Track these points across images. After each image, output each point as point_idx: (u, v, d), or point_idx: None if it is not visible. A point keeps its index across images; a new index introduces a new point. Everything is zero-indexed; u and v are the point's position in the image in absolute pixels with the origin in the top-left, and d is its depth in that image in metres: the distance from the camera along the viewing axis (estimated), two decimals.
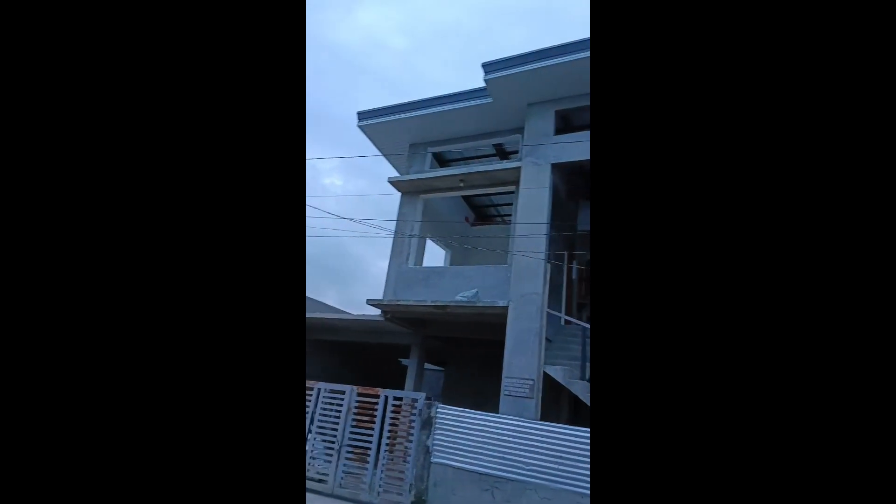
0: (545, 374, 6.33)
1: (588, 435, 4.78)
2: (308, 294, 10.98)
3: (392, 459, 5.71)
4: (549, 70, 7.16)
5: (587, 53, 6.81)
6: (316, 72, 56.90)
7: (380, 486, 5.62)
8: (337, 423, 6.19)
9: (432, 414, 5.68)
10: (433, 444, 5.51)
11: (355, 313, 9.66)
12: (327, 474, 5.97)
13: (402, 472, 5.56)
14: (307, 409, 6.43)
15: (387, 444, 5.78)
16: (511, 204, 9.10)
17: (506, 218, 11.20)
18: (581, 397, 6.04)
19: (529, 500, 4.80)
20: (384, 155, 10.33)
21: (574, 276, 9.03)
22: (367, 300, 8.11)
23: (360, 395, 6.23)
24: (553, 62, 7.08)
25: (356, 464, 5.92)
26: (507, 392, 6.39)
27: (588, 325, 6.85)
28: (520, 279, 7.00)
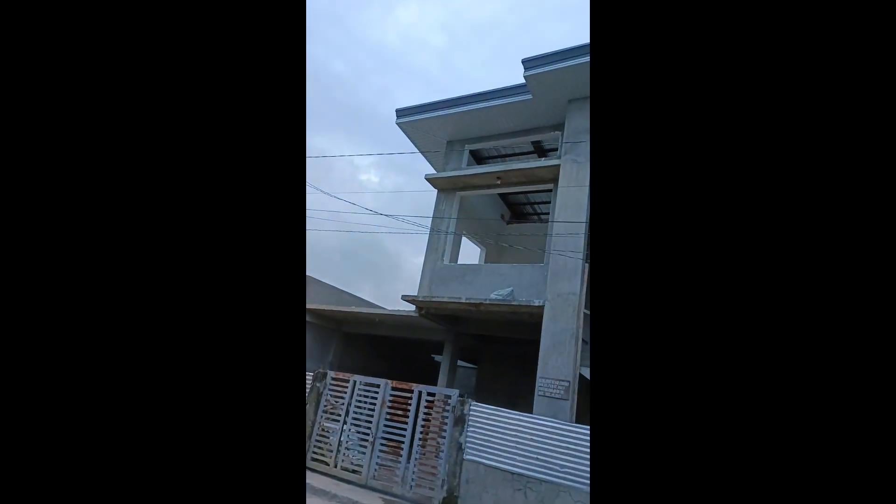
0: (581, 375, 6.22)
1: None
2: (343, 288, 11.21)
3: (425, 454, 5.76)
4: (588, 67, 7.00)
5: None
6: (357, 71, 57.81)
7: (412, 479, 5.68)
8: (371, 416, 6.29)
9: (465, 411, 5.68)
10: (466, 441, 5.52)
11: (390, 309, 9.78)
12: (361, 465, 6.09)
13: (434, 467, 5.60)
14: (342, 401, 6.57)
15: (420, 439, 5.83)
16: (549, 202, 8.99)
17: (542, 216, 11.06)
18: None
19: (563, 503, 4.74)
20: (421, 152, 10.39)
21: None
22: (402, 296, 8.19)
23: (394, 389, 6.31)
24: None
25: (390, 457, 6.00)
26: (541, 392, 6.32)
27: None
28: (557, 278, 6.90)
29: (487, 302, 7.29)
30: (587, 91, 7.49)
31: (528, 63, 7.44)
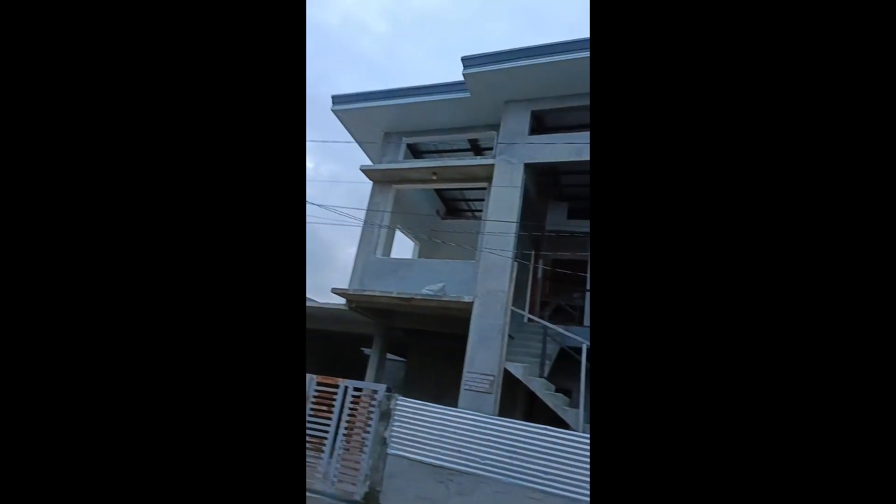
0: (505, 370, 6.43)
1: (541, 431, 4.90)
2: None
3: (348, 450, 5.70)
4: (527, 70, 7.20)
5: (566, 56, 6.88)
6: None
7: (334, 475, 5.60)
8: None
9: (391, 406, 5.69)
10: (391, 436, 5.53)
11: (321, 301, 9.53)
12: None
13: (357, 462, 5.56)
14: None
15: (344, 435, 5.76)
16: (483, 200, 9.15)
17: (477, 213, 11.26)
18: (539, 394, 6.19)
19: (482, 493, 4.90)
20: (357, 142, 10.17)
21: (539, 275, 9.19)
22: (332, 289, 8.02)
23: (319, 384, 6.17)
24: (532, 62, 7.13)
25: (312, 453, 5.87)
26: (467, 387, 6.47)
27: (548, 324, 7.00)
28: (487, 276, 7.07)
29: (419, 297, 7.33)
30: (524, 94, 7.70)
31: (467, 61, 7.51)
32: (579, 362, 5.95)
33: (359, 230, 8.88)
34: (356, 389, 5.96)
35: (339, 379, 6.14)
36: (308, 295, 11.48)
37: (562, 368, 7.02)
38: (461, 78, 7.75)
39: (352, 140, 10.07)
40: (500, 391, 6.34)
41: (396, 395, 5.80)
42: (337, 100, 9.33)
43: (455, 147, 9.86)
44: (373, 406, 5.74)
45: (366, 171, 9.05)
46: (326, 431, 5.86)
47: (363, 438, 5.66)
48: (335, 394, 6.00)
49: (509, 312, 6.76)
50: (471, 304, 7.00)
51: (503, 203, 7.37)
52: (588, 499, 4.40)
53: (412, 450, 5.38)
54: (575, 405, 6.00)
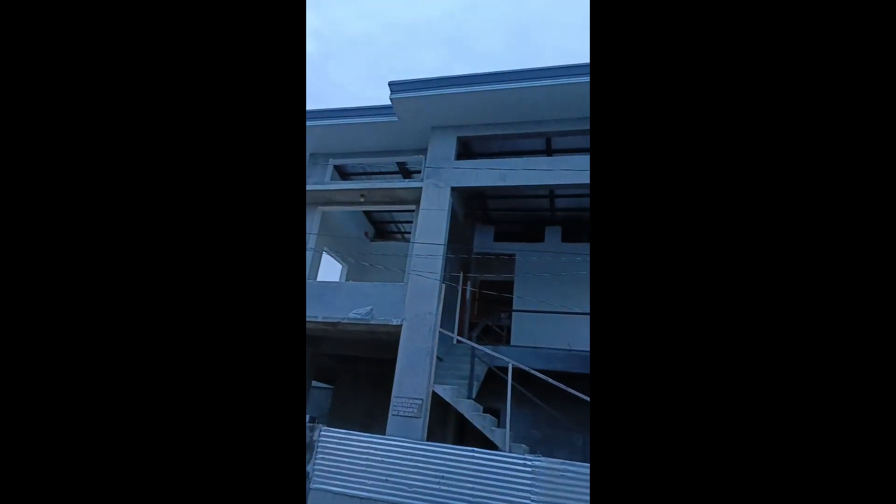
0: (434, 393, 6.40)
1: (468, 453, 4.91)
2: None
3: None
4: (453, 98, 7.43)
5: (490, 87, 7.20)
6: None
7: None
8: None
9: (315, 437, 5.42)
10: (314, 469, 5.26)
11: None
12: None
13: None
14: None
15: None
16: (411, 222, 9.19)
17: (405, 235, 11.27)
18: (467, 416, 6.20)
19: None
20: None
21: (468, 296, 9.33)
22: None
23: None
24: (458, 90, 7.37)
25: None
26: (395, 412, 6.34)
27: (476, 345, 7.10)
28: (415, 298, 7.05)
29: (345, 321, 7.14)
30: (450, 120, 7.92)
31: (395, 86, 7.62)
32: (506, 382, 6.07)
33: None
34: None
35: None
36: None
37: (490, 389, 7.11)
38: (389, 102, 7.83)
39: None
40: (428, 415, 6.28)
41: (321, 425, 5.55)
42: None
43: (384, 169, 9.87)
44: None
45: None
46: None
47: None
48: None
49: (437, 334, 6.77)
50: (399, 327, 6.93)
51: (431, 226, 7.45)
52: None
53: (337, 482, 5.14)
54: (502, 425, 6.08)
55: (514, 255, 9.57)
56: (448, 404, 6.43)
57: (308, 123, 8.75)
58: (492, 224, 10.18)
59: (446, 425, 7.47)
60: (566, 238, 9.65)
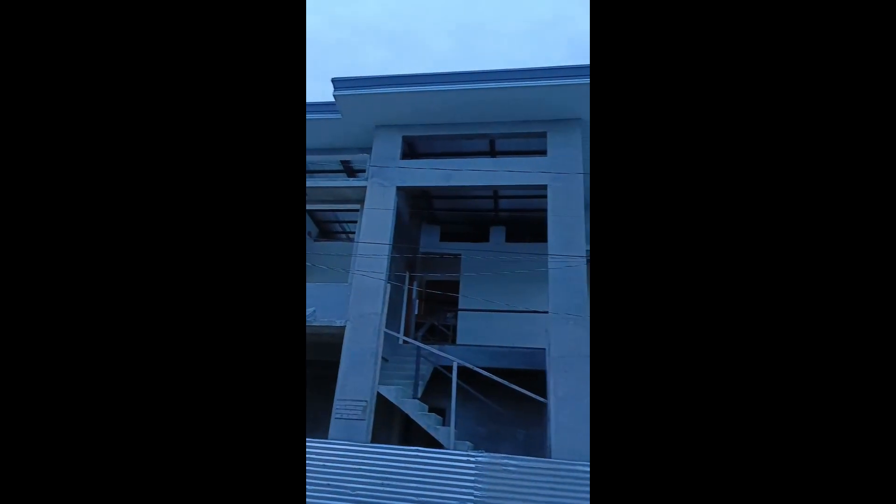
0: (379, 394, 6.33)
1: (412, 453, 4.89)
2: None
3: None
4: (398, 97, 7.39)
5: (435, 87, 7.22)
6: None
7: None
8: None
9: None
10: None
11: None
12: None
13: None
14: None
15: None
16: (356, 221, 9.04)
17: (350, 235, 11.08)
18: (412, 416, 6.18)
19: None
20: None
21: (414, 296, 9.31)
22: None
23: None
24: (403, 90, 7.34)
25: None
26: (338, 415, 6.21)
27: (422, 344, 7.09)
28: (360, 299, 6.94)
29: None
30: (395, 119, 7.88)
31: (339, 83, 7.47)
32: (451, 380, 6.11)
33: None
34: None
35: None
36: None
37: (436, 388, 7.12)
38: (333, 99, 7.66)
39: None
40: (373, 416, 6.19)
41: None
42: None
43: (328, 168, 9.65)
44: None
45: None
46: None
47: None
48: None
49: (382, 335, 6.70)
50: (343, 328, 6.79)
51: (376, 225, 7.37)
52: None
53: None
54: (448, 424, 6.12)
55: (459, 254, 9.66)
56: (393, 405, 6.38)
57: None
58: (438, 224, 10.22)
59: (391, 426, 7.41)
60: (510, 238, 9.86)
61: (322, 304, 7.41)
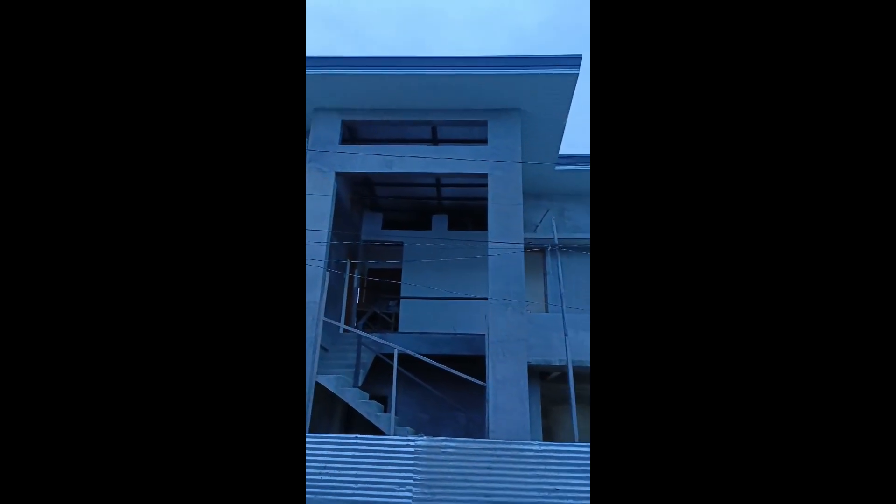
0: (318, 384, 6.21)
1: (350, 441, 4.87)
2: None
3: None
4: (338, 79, 7.18)
5: (377, 70, 7.09)
6: None
7: None
8: None
9: None
10: None
11: None
12: None
13: None
14: None
15: None
16: None
17: None
18: (352, 404, 6.13)
19: None
20: None
21: (355, 284, 9.19)
22: None
23: None
24: (343, 72, 7.14)
25: None
26: None
27: (363, 333, 7.03)
28: None
29: None
30: (334, 102, 7.66)
31: None
32: (392, 368, 6.11)
33: None
34: None
35: None
36: None
37: (378, 376, 7.10)
38: None
39: None
40: (311, 406, 6.08)
41: None
42: None
43: None
44: None
45: None
46: None
47: None
48: None
49: (321, 324, 6.57)
50: None
51: (314, 211, 7.16)
52: (404, 500, 4.52)
53: None
54: (389, 411, 6.13)
55: (401, 242, 9.63)
56: (334, 395, 6.29)
57: None
58: (380, 211, 10.11)
59: (332, 416, 7.32)
60: (452, 226, 9.95)
61: None
